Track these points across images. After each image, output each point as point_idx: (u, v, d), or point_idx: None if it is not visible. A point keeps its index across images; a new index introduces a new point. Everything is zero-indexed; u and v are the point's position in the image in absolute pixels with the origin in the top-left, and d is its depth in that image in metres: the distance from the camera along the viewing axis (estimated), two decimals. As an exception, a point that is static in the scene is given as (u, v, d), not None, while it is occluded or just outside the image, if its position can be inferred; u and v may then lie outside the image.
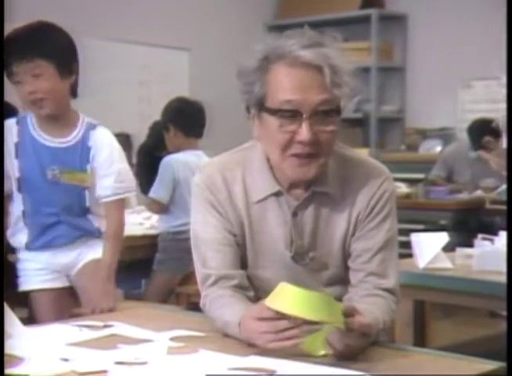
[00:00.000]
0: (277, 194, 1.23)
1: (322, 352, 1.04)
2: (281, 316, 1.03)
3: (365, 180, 1.23)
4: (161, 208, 2.78)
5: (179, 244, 2.73)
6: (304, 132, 1.14)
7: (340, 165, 1.24)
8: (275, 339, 1.03)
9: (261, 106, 1.18)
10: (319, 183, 1.22)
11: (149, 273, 2.87)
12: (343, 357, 1.04)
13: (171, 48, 4.71)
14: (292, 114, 1.15)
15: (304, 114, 1.14)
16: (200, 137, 2.89)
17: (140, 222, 2.99)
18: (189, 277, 2.72)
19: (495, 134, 4.06)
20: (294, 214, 1.23)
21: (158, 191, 2.77)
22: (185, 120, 2.84)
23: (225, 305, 1.17)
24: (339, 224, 1.23)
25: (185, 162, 2.77)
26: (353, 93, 1.16)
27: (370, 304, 1.15)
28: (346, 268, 1.25)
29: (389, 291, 1.21)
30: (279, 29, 5.08)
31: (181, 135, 2.84)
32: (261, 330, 1.05)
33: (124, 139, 3.47)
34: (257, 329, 1.06)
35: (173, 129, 2.84)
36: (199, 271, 1.25)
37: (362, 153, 1.36)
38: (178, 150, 2.84)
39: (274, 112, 1.16)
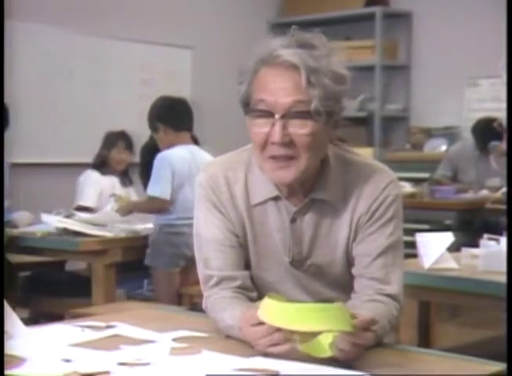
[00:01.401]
0: (276, 199, 1.22)
1: (329, 354, 1.02)
2: None
3: (368, 184, 1.21)
4: (164, 205, 2.72)
5: (166, 237, 2.71)
6: (275, 133, 1.12)
7: (343, 170, 1.22)
8: (271, 344, 1.03)
9: (245, 107, 1.17)
10: (318, 190, 1.21)
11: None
12: (349, 358, 1.02)
13: (174, 46, 4.70)
14: (266, 114, 1.13)
15: (277, 115, 1.12)
16: (191, 130, 2.86)
17: (142, 221, 2.98)
18: (187, 274, 2.70)
19: (499, 133, 4.04)
20: (293, 220, 1.21)
21: (158, 188, 2.72)
22: (172, 115, 2.81)
23: (226, 308, 1.16)
24: (341, 231, 1.22)
25: (180, 156, 2.75)
26: (333, 96, 1.12)
27: (369, 309, 1.13)
28: (350, 274, 1.23)
29: (391, 296, 1.19)
30: (282, 27, 5.07)
31: (171, 131, 2.81)
32: (256, 336, 1.05)
33: (125, 138, 3.46)
34: (253, 335, 1.05)
35: (162, 127, 2.81)
36: (201, 271, 1.25)
37: (366, 153, 1.35)
38: (170, 146, 2.80)
39: (250, 111, 1.15)
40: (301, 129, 1.13)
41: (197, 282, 1.28)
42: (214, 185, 1.23)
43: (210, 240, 1.22)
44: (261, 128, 1.14)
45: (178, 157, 2.74)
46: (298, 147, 1.13)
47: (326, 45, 1.15)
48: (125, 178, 3.47)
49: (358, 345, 1.01)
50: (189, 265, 2.75)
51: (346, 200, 1.21)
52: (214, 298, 1.21)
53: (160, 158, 2.75)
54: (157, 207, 2.75)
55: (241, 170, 1.23)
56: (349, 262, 1.23)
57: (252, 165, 1.23)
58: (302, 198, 1.21)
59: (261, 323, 1.03)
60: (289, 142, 1.13)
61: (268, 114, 1.13)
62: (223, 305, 1.17)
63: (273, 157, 1.14)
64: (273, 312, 1.02)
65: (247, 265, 1.24)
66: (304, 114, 1.12)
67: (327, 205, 1.21)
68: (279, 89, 1.12)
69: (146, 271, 2.89)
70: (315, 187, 1.21)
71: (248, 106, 1.16)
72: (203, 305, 1.25)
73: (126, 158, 3.44)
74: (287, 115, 1.12)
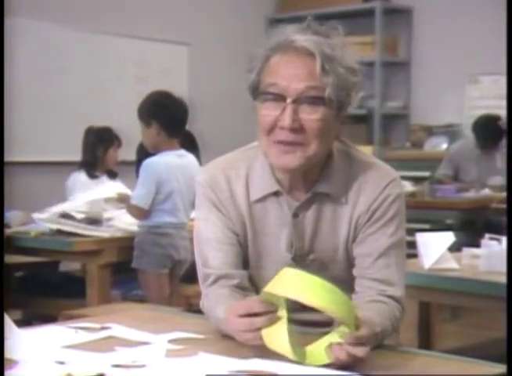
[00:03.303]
0: (277, 194, 1.21)
1: (326, 361, 1.00)
2: (272, 307, 1.01)
3: (369, 183, 1.20)
4: (142, 214, 2.67)
5: (152, 238, 2.67)
6: (285, 118, 1.12)
7: (346, 166, 1.21)
8: (253, 337, 1.02)
9: (254, 92, 1.17)
10: (321, 184, 1.20)
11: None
12: (344, 366, 1.00)
13: (170, 42, 4.68)
14: (277, 98, 1.13)
15: (288, 99, 1.12)
16: (180, 137, 2.76)
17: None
18: (173, 277, 2.66)
19: (500, 131, 4.02)
20: (295, 215, 1.21)
21: (139, 197, 2.66)
22: (171, 119, 2.67)
23: (221, 303, 1.16)
24: (341, 227, 1.21)
25: (167, 164, 2.67)
26: (346, 87, 1.13)
27: (371, 309, 1.12)
28: (350, 273, 1.22)
29: (393, 298, 1.18)
30: (280, 23, 5.04)
31: (164, 134, 2.68)
32: (240, 328, 1.04)
33: (116, 136, 3.42)
34: (236, 327, 1.05)
35: (156, 127, 2.67)
36: (200, 270, 1.24)
37: (366, 151, 1.33)
38: (157, 149, 2.71)
39: (260, 95, 1.15)
40: (311, 115, 1.13)
41: (194, 283, 1.26)
42: (214, 184, 1.22)
43: (209, 239, 1.22)
44: (270, 111, 1.14)
45: (166, 165, 2.67)
46: (307, 133, 1.13)
47: (341, 37, 1.16)
48: (110, 172, 3.43)
49: (353, 356, 0.99)
50: (175, 269, 2.73)
51: (348, 196, 1.21)
52: (211, 296, 1.20)
53: (147, 166, 2.66)
54: (136, 214, 2.70)
55: (243, 168, 1.23)
56: (349, 260, 1.22)
57: (254, 162, 1.22)
58: (304, 192, 1.20)
59: (246, 315, 1.03)
60: (298, 128, 1.13)
61: (280, 98, 1.13)
62: (219, 302, 1.17)
63: (281, 142, 1.14)
64: (290, 282, 0.98)
65: (246, 264, 1.24)
66: (316, 100, 1.12)
67: (329, 199, 1.21)
68: (292, 74, 1.12)
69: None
70: (319, 181, 1.20)
71: (257, 90, 1.16)
72: (201, 304, 1.24)
73: (118, 157, 3.39)
74: (299, 100, 1.12)
